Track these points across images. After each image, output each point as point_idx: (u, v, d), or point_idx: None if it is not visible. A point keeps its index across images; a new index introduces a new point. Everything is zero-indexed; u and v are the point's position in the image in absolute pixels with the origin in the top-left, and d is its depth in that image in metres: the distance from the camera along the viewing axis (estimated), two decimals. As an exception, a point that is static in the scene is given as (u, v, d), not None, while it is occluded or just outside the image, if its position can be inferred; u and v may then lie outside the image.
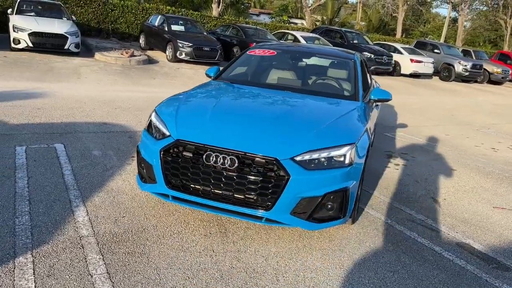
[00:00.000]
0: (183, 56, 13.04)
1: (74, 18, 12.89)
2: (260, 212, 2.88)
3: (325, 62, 4.93)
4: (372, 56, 16.69)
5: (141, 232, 3.05)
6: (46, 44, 11.15)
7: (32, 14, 11.98)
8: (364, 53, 16.64)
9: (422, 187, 4.80)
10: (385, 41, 22.20)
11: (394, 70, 18.11)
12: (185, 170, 2.97)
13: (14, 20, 11.13)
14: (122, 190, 3.72)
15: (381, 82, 15.50)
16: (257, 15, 40.71)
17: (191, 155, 2.96)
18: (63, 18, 12.29)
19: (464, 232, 3.75)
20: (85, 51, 12.89)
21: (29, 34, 10.90)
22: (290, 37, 16.82)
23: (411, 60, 17.89)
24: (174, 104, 3.51)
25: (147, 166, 3.19)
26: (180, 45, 12.98)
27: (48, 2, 12.88)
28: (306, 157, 2.89)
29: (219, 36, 15.60)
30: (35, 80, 8.32)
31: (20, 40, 10.91)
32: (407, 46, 19.92)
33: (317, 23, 36.79)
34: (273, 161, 2.83)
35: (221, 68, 4.67)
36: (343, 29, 19.40)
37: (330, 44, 16.32)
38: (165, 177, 3.05)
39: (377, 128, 7.36)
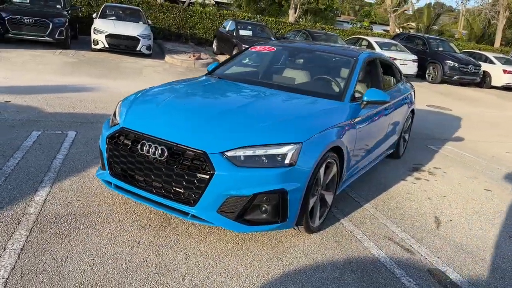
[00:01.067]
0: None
1: (150, 22, 13.77)
2: (186, 208, 2.75)
3: (323, 59, 4.60)
4: (456, 65, 15.29)
5: (83, 217, 3.10)
6: (120, 45, 12.06)
7: (113, 18, 13.07)
8: (447, 61, 15.34)
9: (431, 205, 4.22)
10: (479, 50, 20.19)
11: (483, 81, 16.37)
12: (124, 159, 2.96)
13: (96, 23, 12.24)
14: (96, 177, 3.83)
15: (463, 93, 14.14)
16: (348, 22, 39.89)
17: (130, 143, 2.95)
18: (139, 22, 13.19)
19: (449, 258, 3.20)
20: (159, 53, 13.69)
21: (106, 36, 11.89)
22: (364, 42, 16.13)
23: (504, 71, 16.01)
24: (137, 94, 3.53)
25: (100, 153, 3.26)
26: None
27: (129, 8, 13.96)
28: (239, 153, 2.70)
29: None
30: (97, 77, 9.02)
31: (99, 41, 11.94)
32: (501, 55, 17.88)
33: (411, 30, 34.86)
34: (201, 154, 2.69)
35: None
36: (426, 35, 18.05)
37: (407, 51, 15.31)
38: (109, 165, 3.08)
39: (421, 140, 6.70)
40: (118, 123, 3.12)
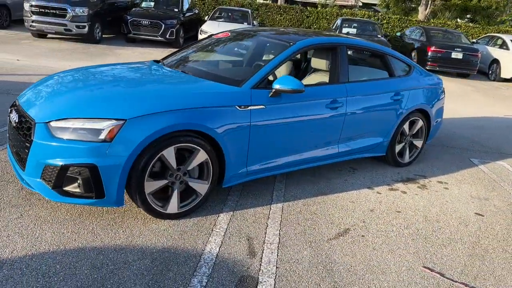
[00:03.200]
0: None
1: (255, 23, 14.34)
2: (22, 173, 2.99)
3: (262, 45, 4.24)
4: None
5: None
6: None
7: (221, 20, 14.05)
8: None
9: (361, 216, 3.57)
10: None
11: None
12: (11, 130, 3.33)
13: (204, 24, 13.35)
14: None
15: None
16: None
17: (9, 110, 3.33)
18: (244, 24, 13.86)
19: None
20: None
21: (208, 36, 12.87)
22: (499, 41, 13.70)
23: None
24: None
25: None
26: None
27: (239, 10, 14.79)
28: (61, 124, 2.82)
29: (403, 39, 14.25)
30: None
31: (202, 40, 13.02)
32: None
33: None
34: (31, 122, 2.91)
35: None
36: None
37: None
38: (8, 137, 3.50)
39: (466, 151, 5.60)
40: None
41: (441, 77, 5.60)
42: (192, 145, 3.08)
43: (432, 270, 2.88)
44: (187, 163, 3.13)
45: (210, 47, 4.51)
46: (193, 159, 3.14)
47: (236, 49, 4.52)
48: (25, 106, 3.09)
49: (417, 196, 4.14)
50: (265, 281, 2.58)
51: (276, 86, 3.44)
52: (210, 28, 12.88)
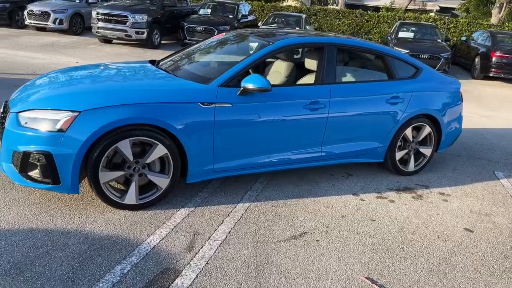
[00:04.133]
0: (396, 65, 12.11)
1: (308, 27, 14.24)
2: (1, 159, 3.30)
3: (247, 46, 4.20)
4: None
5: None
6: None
7: (274, 25, 14.18)
8: None
9: (326, 220, 3.42)
10: None
11: None
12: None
13: (256, 29, 13.58)
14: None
15: None
16: None
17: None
18: (296, 29, 13.84)
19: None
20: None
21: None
22: None
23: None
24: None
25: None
26: (396, 52, 12.08)
27: (292, 15, 14.82)
28: (27, 114, 3.08)
29: (469, 43, 13.28)
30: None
31: (252, 45, 13.25)
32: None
33: None
34: (7, 112, 3.22)
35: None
36: None
37: None
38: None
39: (493, 163, 5.13)
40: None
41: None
42: (149, 139, 3.18)
43: (373, 282, 2.68)
44: (145, 157, 3.23)
45: (203, 48, 4.60)
46: (151, 153, 3.24)
47: (223, 49, 4.56)
48: (11, 100, 3.41)
49: (405, 206, 3.86)
50: (186, 275, 2.59)
51: (243, 84, 3.43)
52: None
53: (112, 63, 4.35)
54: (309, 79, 4.20)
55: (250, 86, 3.42)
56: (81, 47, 12.15)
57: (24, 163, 3.06)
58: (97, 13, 13.17)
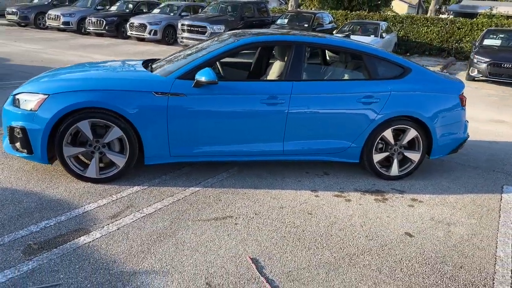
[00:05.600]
0: (475, 74, 11.18)
1: (384, 35, 13.79)
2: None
3: (223, 43, 4.40)
4: None
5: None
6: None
7: (348, 33, 14.04)
8: None
9: (249, 210, 3.54)
10: None
11: None
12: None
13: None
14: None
15: None
16: None
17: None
18: (371, 36, 13.54)
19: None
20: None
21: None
22: None
23: None
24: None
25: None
26: (475, 60, 11.16)
27: (369, 23, 14.47)
28: (19, 96, 3.80)
29: None
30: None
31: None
32: None
33: None
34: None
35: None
36: None
37: None
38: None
39: (504, 175, 4.72)
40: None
41: None
42: (106, 121, 3.68)
43: (253, 261, 2.78)
44: (104, 137, 3.74)
45: (193, 48, 4.97)
46: (109, 134, 3.73)
47: (207, 48, 4.86)
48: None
49: (359, 206, 3.77)
50: (93, 234, 2.99)
51: (196, 77, 3.75)
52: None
53: (119, 60, 4.97)
54: (276, 75, 4.33)
55: (202, 79, 3.72)
56: (165, 55, 13.45)
57: (11, 136, 3.78)
58: (182, 24, 14.49)
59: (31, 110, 3.63)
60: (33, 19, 19.34)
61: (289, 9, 19.13)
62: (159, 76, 3.89)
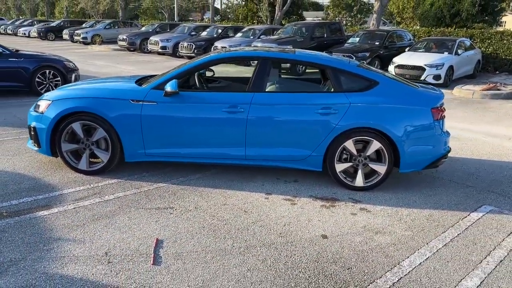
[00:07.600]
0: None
1: (460, 52, 13.00)
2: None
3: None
4: None
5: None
6: (405, 74, 12.57)
7: (421, 50, 13.58)
8: None
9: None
10: None
11: None
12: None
13: (397, 56, 13.33)
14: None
15: None
16: None
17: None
18: (444, 53, 12.90)
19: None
20: (468, 83, 12.54)
21: (395, 67, 12.83)
22: None
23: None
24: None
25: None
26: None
27: (444, 39, 13.75)
28: (38, 102, 4.85)
29: None
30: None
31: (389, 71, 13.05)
32: None
33: None
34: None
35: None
36: None
37: None
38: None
39: (499, 196, 4.54)
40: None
41: None
42: (92, 123, 4.48)
43: (157, 243, 3.22)
44: (92, 136, 4.54)
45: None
46: (95, 134, 4.52)
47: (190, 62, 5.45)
48: None
49: (300, 210, 3.95)
50: (52, 209, 3.74)
51: (165, 87, 4.38)
52: (400, 59, 12.83)
53: (128, 76, 5.84)
54: (244, 87, 4.73)
55: (168, 89, 4.33)
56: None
57: (30, 133, 4.80)
58: (252, 46, 15.30)
59: (41, 112, 4.58)
60: (139, 45, 22.13)
61: (370, 28, 18.96)
62: (138, 87, 4.59)
